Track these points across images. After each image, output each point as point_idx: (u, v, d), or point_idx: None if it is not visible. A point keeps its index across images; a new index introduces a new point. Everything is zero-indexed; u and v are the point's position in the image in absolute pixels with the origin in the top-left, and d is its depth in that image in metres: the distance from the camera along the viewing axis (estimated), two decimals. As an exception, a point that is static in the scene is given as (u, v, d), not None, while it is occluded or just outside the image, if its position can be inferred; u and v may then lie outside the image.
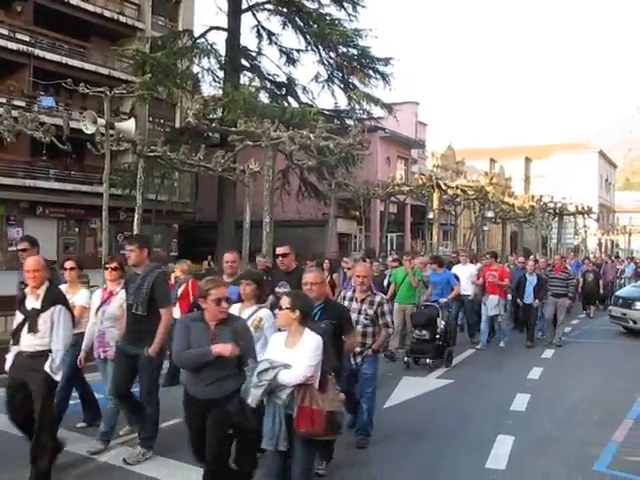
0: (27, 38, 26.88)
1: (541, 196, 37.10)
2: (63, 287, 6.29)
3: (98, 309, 6.29)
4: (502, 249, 38.07)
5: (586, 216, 42.19)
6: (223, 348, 4.59)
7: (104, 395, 6.39)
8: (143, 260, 5.94)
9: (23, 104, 25.21)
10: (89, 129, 15.19)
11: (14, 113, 17.34)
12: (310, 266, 8.04)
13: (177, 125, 31.24)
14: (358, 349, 6.38)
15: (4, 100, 24.44)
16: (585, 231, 47.47)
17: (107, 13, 30.08)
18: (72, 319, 5.44)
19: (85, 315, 6.43)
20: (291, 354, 4.46)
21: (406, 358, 10.62)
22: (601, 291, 19.31)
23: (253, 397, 4.33)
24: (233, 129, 18.92)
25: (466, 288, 12.97)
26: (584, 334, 15.48)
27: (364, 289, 6.46)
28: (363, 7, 29.52)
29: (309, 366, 4.39)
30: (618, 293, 16.83)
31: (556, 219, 39.56)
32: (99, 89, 16.25)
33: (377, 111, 30.90)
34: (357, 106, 29.72)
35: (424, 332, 10.56)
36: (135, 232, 17.62)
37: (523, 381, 9.71)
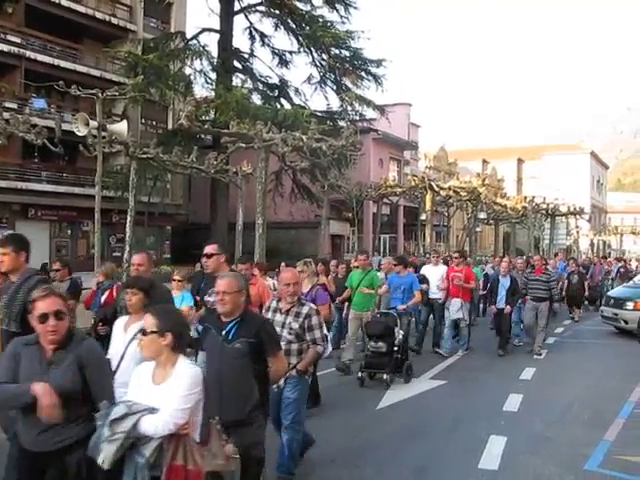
0: (18, 40, 26.77)
1: (533, 197, 37.31)
2: None
3: None
4: (495, 250, 38.24)
5: (578, 217, 42.43)
6: (41, 391, 3.31)
7: None
8: (20, 265, 4.98)
9: (15, 106, 25.10)
10: (81, 131, 15.18)
11: (5, 115, 17.34)
12: (241, 269, 6.95)
13: (170, 127, 31.19)
14: None
15: (-5, 102, 24.38)
16: (577, 232, 47.71)
17: (99, 15, 29.98)
18: None
19: None
20: (159, 393, 3.39)
21: (360, 373, 9.39)
22: (586, 293, 18.81)
23: (105, 455, 3.22)
24: (225, 131, 18.93)
25: (436, 291, 12.26)
26: (576, 334, 15.53)
27: (293, 300, 5.51)
28: (355, 9, 29.66)
29: (181, 410, 3.32)
30: (610, 293, 16.91)
31: (548, 220, 39.76)
32: (91, 91, 16.26)
33: (369, 112, 31.05)
34: (349, 108, 29.85)
35: (380, 344, 9.33)
36: (127, 234, 17.62)
37: (516, 381, 9.74)
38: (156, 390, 3.42)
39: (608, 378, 10.17)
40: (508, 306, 12.21)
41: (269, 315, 5.58)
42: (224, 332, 4.38)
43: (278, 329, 5.32)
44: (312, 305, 5.75)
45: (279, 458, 5.48)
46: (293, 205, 31.09)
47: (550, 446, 6.64)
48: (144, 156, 18.17)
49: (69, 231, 29.36)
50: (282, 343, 5.18)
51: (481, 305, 17.04)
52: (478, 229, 40.40)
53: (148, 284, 4.89)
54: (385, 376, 9.21)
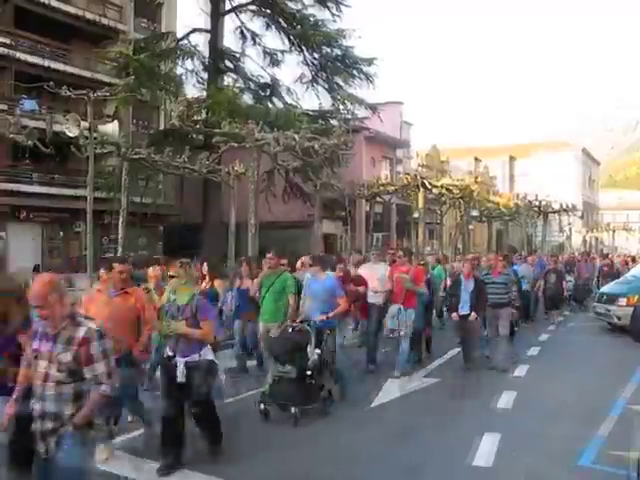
0: (8, 41, 26.62)
1: (525, 194, 37.49)
2: None
3: None
4: (487, 247, 38.29)
5: (570, 214, 42.61)
6: None
7: None
8: None
9: (5, 107, 24.96)
10: (72, 132, 15.17)
11: (-4, 116, 17.23)
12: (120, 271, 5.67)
13: (161, 127, 31.08)
14: (50, 425, 3.89)
15: (-15, 104, 24.26)
16: (570, 229, 47.93)
17: (89, 15, 29.83)
18: None
19: None
20: None
21: (262, 405, 7.39)
22: (564, 293, 17.32)
23: None
24: (217, 131, 18.91)
25: (373, 294, 10.31)
26: (569, 331, 15.58)
27: (55, 324, 3.92)
28: (347, 7, 29.57)
29: None
30: (602, 290, 16.93)
31: (541, 217, 39.89)
32: (82, 92, 16.23)
33: (361, 111, 30.96)
34: (341, 106, 29.78)
35: (288, 367, 7.36)
36: (120, 235, 17.58)
37: (509, 379, 9.76)
38: None
39: (601, 374, 10.21)
40: (473, 312, 10.40)
41: (35, 345, 3.99)
42: None
43: (43, 363, 3.90)
44: (92, 325, 4.01)
45: None
46: (286, 204, 31.05)
47: (543, 443, 6.65)
48: (136, 157, 18.13)
49: (61, 233, 29.25)
50: (50, 384, 3.87)
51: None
52: (471, 227, 40.45)
53: None
54: (293, 409, 7.17)
